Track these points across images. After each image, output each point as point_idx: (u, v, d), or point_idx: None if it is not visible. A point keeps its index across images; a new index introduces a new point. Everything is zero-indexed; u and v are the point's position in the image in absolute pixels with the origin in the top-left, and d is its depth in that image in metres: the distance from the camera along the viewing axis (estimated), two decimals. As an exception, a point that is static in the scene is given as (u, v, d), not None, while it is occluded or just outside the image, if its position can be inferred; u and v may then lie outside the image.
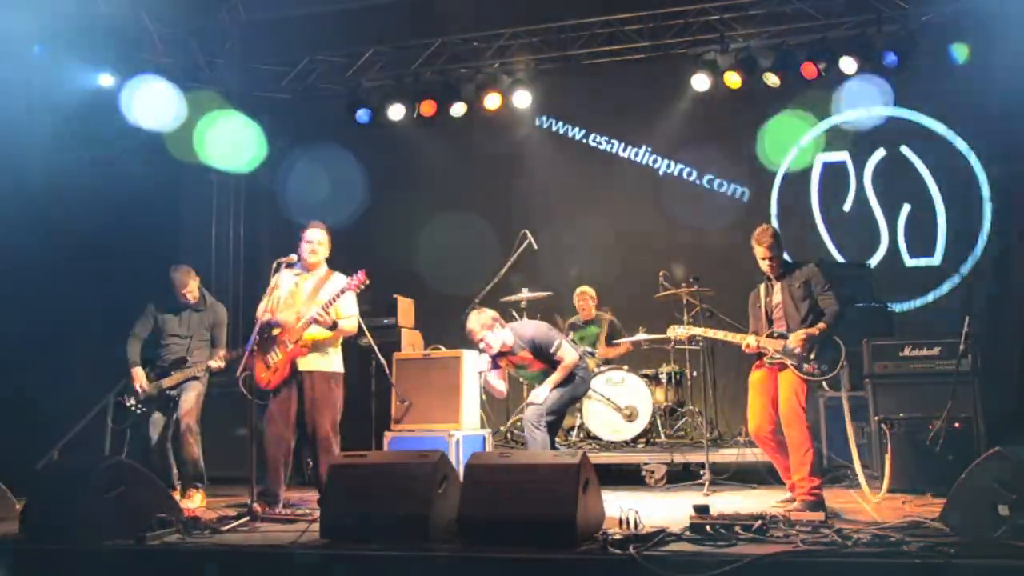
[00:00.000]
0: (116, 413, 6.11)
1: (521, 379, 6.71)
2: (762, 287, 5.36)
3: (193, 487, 6.02)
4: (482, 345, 5.75)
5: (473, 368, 6.50)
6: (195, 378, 6.16)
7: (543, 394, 5.73)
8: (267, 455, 5.30)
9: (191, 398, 6.08)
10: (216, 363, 6.16)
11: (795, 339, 5.01)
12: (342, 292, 5.29)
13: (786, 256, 5.42)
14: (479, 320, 5.72)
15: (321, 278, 5.52)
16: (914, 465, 5.61)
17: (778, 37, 8.50)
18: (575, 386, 5.87)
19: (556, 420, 5.89)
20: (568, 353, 5.79)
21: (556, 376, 5.78)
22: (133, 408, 6.07)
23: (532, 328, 5.90)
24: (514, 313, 7.66)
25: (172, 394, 6.11)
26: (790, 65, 8.29)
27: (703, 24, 8.68)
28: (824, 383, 5.29)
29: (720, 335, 5.40)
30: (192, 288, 6.28)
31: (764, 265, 5.26)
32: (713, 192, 8.90)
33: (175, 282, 6.22)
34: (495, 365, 5.92)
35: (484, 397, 6.85)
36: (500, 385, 5.95)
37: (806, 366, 4.99)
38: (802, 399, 4.98)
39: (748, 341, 5.18)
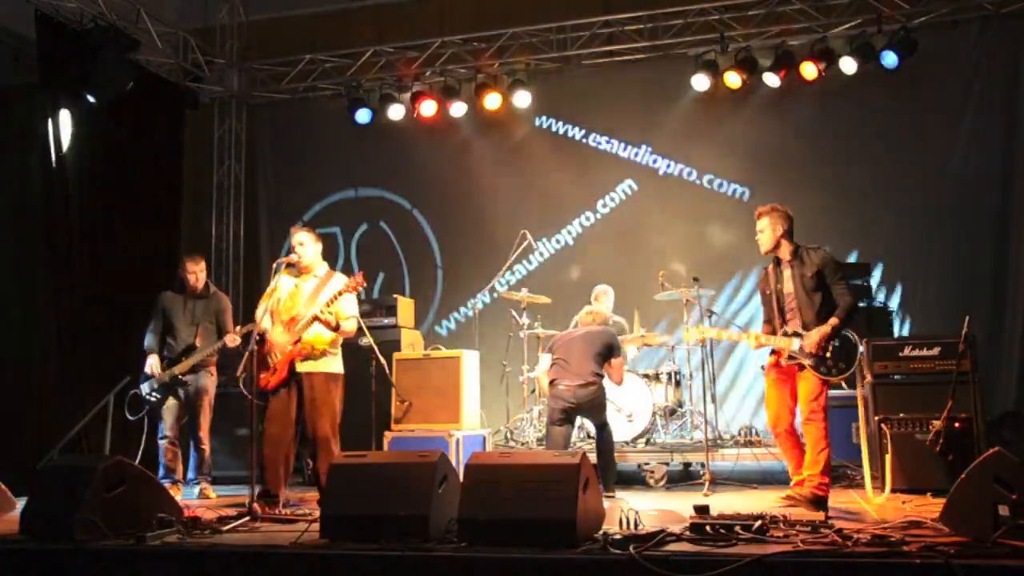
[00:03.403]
0: (131, 404, 6.17)
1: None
2: (771, 269, 5.25)
3: (207, 482, 6.32)
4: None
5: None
6: (204, 368, 6.26)
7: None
8: (267, 455, 5.30)
9: (207, 407, 6.33)
10: (231, 340, 6.26)
11: (810, 343, 4.94)
12: (340, 294, 5.29)
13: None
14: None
15: (322, 279, 5.51)
16: (914, 465, 5.61)
17: (778, 37, 8.51)
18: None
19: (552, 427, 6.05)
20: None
21: None
22: (148, 396, 6.16)
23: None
24: (514, 313, 7.67)
25: (184, 379, 6.27)
26: (790, 65, 8.30)
27: (703, 24, 8.68)
28: (843, 382, 5.25)
29: (735, 336, 5.34)
30: (203, 273, 6.45)
31: (759, 240, 5.21)
32: (713, 192, 8.89)
33: (186, 266, 6.40)
34: None
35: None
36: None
37: (823, 367, 4.94)
38: (822, 399, 4.95)
39: (749, 342, 5.15)
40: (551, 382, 6.02)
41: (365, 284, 5.38)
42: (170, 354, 6.33)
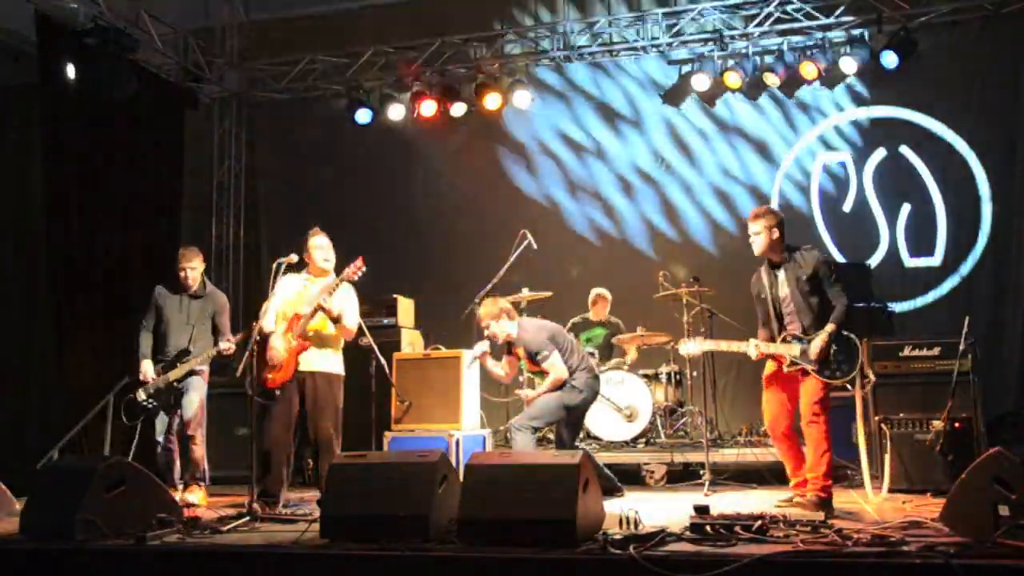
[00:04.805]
0: (127, 409, 6.09)
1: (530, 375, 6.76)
2: (763, 273, 5.18)
3: (196, 484, 6.06)
4: (487, 333, 5.85)
5: (470, 359, 6.49)
6: (196, 372, 6.16)
7: (531, 395, 5.81)
8: (268, 455, 5.30)
9: (194, 401, 6.10)
10: (225, 345, 6.10)
11: (813, 349, 4.89)
12: (341, 281, 5.31)
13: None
14: (487, 309, 5.83)
15: (329, 284, 5.50)
16: (914, 465, 5.61)
17: (778, 37, 8.52)
18: (565, 394, 5.72)
19: (544, 427, 5.85)
20: (556, 366, 5.71)
21: (544, 384, 5.80)
22: (144, 403, 6.06)
23: (534, 330, 5.85)
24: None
25: (180, 386, 6.11)
26: (790, 65, 8.30)
27: (704, 24, 8.68)
28: (847, 384, 5.23)
29: (734, 347, 5.24)
30: (197, 269, 6.20)
31: (753, 243, 5.16)
32: (713, 192, 8.89)
33: (181, 260, 6.14)
34: (506, 351, 5.96)
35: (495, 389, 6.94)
36: (498, 369, 5.99)
37: (827, 371, 4.90)
38: (825, 402, 4.92)
39: (749, 351, 5.07)
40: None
41: (364, 268, 5.36)
42: (164, 357, 6.15)
